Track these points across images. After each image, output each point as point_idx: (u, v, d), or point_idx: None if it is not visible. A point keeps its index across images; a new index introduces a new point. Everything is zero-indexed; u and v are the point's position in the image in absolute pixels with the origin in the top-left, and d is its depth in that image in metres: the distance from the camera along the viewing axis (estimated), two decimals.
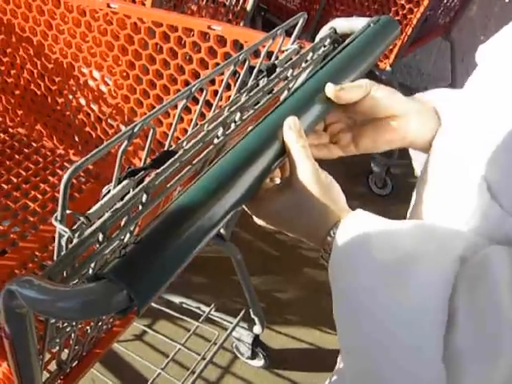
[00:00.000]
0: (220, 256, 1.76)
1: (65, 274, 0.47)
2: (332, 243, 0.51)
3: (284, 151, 0.56)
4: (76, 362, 0.92)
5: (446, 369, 0.39)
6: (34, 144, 1.35)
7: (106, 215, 0.48)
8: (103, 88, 1.18)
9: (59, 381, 0.88)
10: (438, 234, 0.48)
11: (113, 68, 1.12)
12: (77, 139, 1.30)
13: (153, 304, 1.48)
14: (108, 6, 1.02)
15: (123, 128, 1.19)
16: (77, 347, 0.87)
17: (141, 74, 1.09)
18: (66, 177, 0.46)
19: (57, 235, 0.48)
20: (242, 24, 1.83)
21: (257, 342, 1.49)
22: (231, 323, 1.41)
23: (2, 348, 0.61)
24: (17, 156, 1.31)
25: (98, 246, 0.48)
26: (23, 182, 1.25)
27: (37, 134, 1.36)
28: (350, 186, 2.25)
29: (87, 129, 1.25)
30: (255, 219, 0.58)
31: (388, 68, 1.91)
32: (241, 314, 1.40)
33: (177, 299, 1.52)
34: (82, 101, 1.24)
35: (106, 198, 0.51)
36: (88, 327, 0.85)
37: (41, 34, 1.17)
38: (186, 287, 1.62)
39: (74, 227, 0.48)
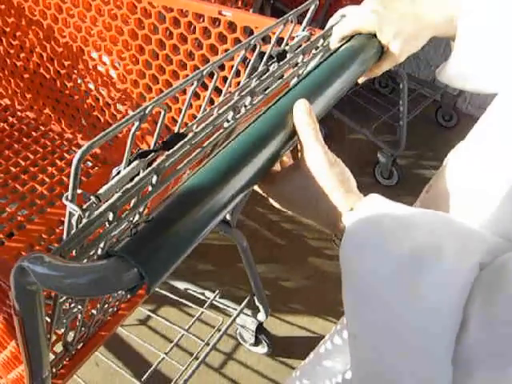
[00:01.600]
0: (223, 243, 1.77)
1: (74, 253, 0.47)
2: (344, 227, 0.49)
3: (294, 135, 0.56)
4: (81, 344, 0.93)
5: (453, 372, 0.40)
6: (42, 128, 1.35)
7: (116, 195, 0.49)
8: (112, 73, 1.18)
9: (65, 362, 0.89)
10: (458, 232, 0.46)
11: (122, 53, 1.12)
12: (85, 123, 1.30)
13: (157, 289, 1.48)
14: None
15: (131, 113, 1.20)
16: (83, 329, 0.88)
17: (150, 59, 1.09)
18: (77, 156, 0.46)
19: (67, 214, 0.48)
20: (251, 11, 1.82)
21: (260, 329, 1.50)
22: (235, 310, 1.42)
23: (10, 327, 0.61)
24: (25, 139, 1.32)
25: (107, 225, 0.49)
26: (31, 165, 1.26)
27: (45, 117, 1.36)
28: (356, 177, 2.22)
29: (95, 113, 1.26)
30: (271, 201, 0.58)
31: None
32: (245, 301, 1.41)
33: (181, 285, 1.53)
34: (91, 85, 1.24)
35: (116, 179, 0.51)
36: (94, 310, 0.85)
37: (51, 17, 1.17)
38: (191, 273, 1.63)
39: (85, 206, 0.48)
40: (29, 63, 1.29)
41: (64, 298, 0.61)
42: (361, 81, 0.71)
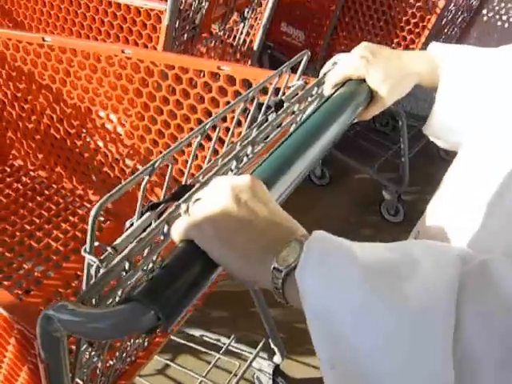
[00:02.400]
0: (239, 290, 1.78)
1: (94, 302, 0.50)
2: (290, 258, 0.45)
3: None
4: None
5: (455, 374, 0.39)
6: (55, 186, 1.40)
7: (131, 245, 0.52)
8: (120, 130, 1.23)
9: None
10: (430, 246, 0.47)
11: (128, 110, 1.18)
12: (95, 179, 1.35)
13: (174, 338, 1.50)
14: (122, 51, 1.08)
15: (140, 167, 1.24)
16: (102, 379, 0.90)
17: (155, 114, 1.14)
18: (94, 210, 0.50)
19: (86, 266, 0.52)
20: (249, 62, 1.89)
21: (277, 371, 1.50)
22: (251, 354, 1.43)
23: (34, 377, 0.64)
24: (38, 198, 1.36)
25: (124, 274, 0.52)
26: (45, 223, 1.30)
27: (57, 176, 1.41)
28: (363, 215, 2.28)
29: (105, 169, 1.30)
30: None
31: None
32: (260, 345, 1.42)
33: (197, 332, 1.55)
34: (100, 143, 1.29)
35: (130, 230, 0.55)
36: (111, 361, 0.88)
37: (59, 81, 1.23)
38: (207, 321, 1.65)
39: (102, 257, 0.52)
40: (40, 125, 1.35)
41: (85, 346, 0.63)
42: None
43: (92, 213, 0.51)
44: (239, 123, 1.04)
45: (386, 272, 0.42)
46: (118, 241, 0.54)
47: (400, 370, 0.40)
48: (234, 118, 0.71)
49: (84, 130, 1.30)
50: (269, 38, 2.18)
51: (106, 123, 1.25)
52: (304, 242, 0.44)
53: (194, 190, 0.57)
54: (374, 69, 0.72)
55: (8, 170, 1.44)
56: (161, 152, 1.19)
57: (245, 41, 1.83)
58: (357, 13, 1.96)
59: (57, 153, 1.38)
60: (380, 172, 2.25)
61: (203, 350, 1.49)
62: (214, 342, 1.51)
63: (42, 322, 0.46)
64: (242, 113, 0.70)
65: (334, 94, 0.72)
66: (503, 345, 0.39)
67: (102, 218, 1.34)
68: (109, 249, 0.52)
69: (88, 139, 1.30)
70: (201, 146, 1.08)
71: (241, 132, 0.77)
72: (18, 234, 1.26)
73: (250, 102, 0.71)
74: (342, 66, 0.75)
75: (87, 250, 0.52)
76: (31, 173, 1.44)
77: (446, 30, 2.03)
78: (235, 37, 1.79)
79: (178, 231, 0.49)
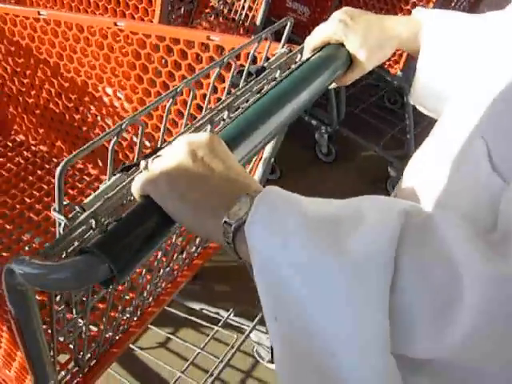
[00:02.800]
0: (239, 264, 1.80)
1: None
2: (242, 209, 0.45)
3: None
4: (94, 361, 0.96)
5: (390, 324, 0.40)
6: (55, 160, 1.42)
7: (98, 204, 0.53)
8: (115, 102, 1.24)
9: (78, 379, 0.93)
10: (376, 199, 0.46)
11: (123, 83, 1.18)
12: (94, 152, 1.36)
13: (174, 311, 1.53)
14: (115, 24, 1.09)
15: (135, 139, 1.25)
16: (93, 345, 0.92)
17: (149, 86, 1.15)
18: (58, 170, 0.52)
19: (57, 224, 0.53)
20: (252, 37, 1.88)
21: None
22: (249, 327, 1.45)
23: (14, 336, 0.66)
24: (39, 171, 1.38)
25: (92, 232, 0.53)
26: (45, 196, 1.32)
27: (57, 150, 1.43)
28: (369, 192, 2.25)
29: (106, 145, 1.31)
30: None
31: (399, 73, 1.94)
32: (257, 318, 1.43)
33: (197, 306, 1.57)
34: (98, 116, 1.30)
35: (99, 190, 0.56)
36: (102, 325, 0.90)
37: (56, 55, 1.24)
38: (207, 295, 1.67)
39: (70, 216, 0.53)
40: (39, 99, 1.36)
41: (62, 306, 0.65)
42: (332, 87, 0.76)
43: (57, 171, 0.53)
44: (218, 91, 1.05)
45: (331, 225, 0.43)
46: (87, 200, 0.55)
47: (338, 320, 0.41)
48: (218, 86, 0.72)
49: (82, 104, 1.31)
50: (274, 13, 2.16)
51: (103, 96, 1.26)
52: (256, 196, 0.45)
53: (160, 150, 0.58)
54: (353, 33, 0.72)
55: (10, 144, 1.46)
56: (156, 125, 1.20)
57: (247, 16, 1.82)
58: None
59: (56, 127, 1.39)
60: (386, 149, 2.24)
61: (203, 323, 1.51)
62: (214, 315, 1.53)
63: (5, 276, 0.47)
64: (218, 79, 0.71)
65: (310, 58, 0.72)
66: (438, 296, 0.39)
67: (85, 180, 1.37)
68: (77, 208, 0.54)
69: (85, 112, 1.31)
70: (181, 114, 1.09)
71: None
72: (18, 206, 1.29)
73: (226, 68, 0.71)
74: (320, 30, 0.75)
75: (56, 208, 0.54)
76: (32, 147, 1.46)
77: (453, 4, 2.00)
78: (237, 12, 1.78)
79: (135, 187, 0.50)
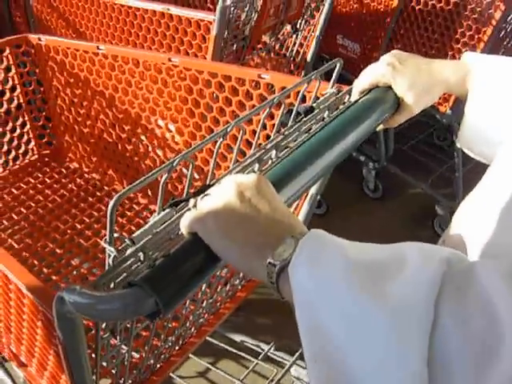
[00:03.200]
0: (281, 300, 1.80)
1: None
2: (287, 250, 0.46)
3: None
4: None
5: (429, 373, 0.39)
6: (106, 188, 1.47)
7: (147, 237, 0.55)
8: (167, 135, 1.28)
9: None
10: (417, 245, 0.47)
11: (175, 116, 1.22)
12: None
13: (215, 341, 1.53)
14: (169, 60, 1.13)
15: (185, 171, 1.28)
16: (134, 372, 0.93)
17: (200, 121, 1.18)
18: (111, 204, 0.54)
19: (106, 255, 0.55)
20: (302, 74, 1.91)
21: None
22: (289, 361, 1.44)
23: (60, 360, 0.68)
24: (90, 199, 1.43)
25: (140, 264, 0.55)
26: (95, 222, 1.36)
27: (109, 178, 1.47)
28: (415, 230, 2.24)
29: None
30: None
31: (448, 111, 1.93)
32: (298, 353, 1.42)
33: (238, 338, 1.57)
34: (149, 147, 1.34)
35: (148, 224, 0.58)
36: (144, 353, 0.91)
37: (112, 87, 1.29)
38: (248, 327, 1.67)
39: (120, 248, 0.55)
40: (94, 129, 1.41)
41: (108, 334, 0.67)
42: (379, 129, 0.76)
43: (110, 205, 0.55)
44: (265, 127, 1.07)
45: (373, 271, 0.43)
46: (136, 233, 0.57)
47: (377, 367, 0.41)
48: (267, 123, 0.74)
49: (134, 135, 1.35)
50: (325, 50, 2.20)
51: (155, 128, 1.30)
52: (300, 239, 0.46)
53: (209, 187, 0.59)
54: (401, 76, 0.73)
55: (64, 171, 1.52)
56: (206, 158, 1.23)
57: (298, 52, 1.85)
58: (412, 25, 1.95)
59: (109, 156, 1.44)
60: (434, 187, 2.22)
61: (243, 355, 1.50)
62: (255, 348, 1.52)
63: (56, 303, 0.49)
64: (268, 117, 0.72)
65: (358, 100, 0.73)
66: (477, 348, 0.39)
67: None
68: (127, 240, 0.56)
69: (137, 143, 1.35)
70: (231, 148, 1.11)
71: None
72: (68, 231, 1.33)
73: (276, 106, 0.73)
74: (368, 73, 0.76)
75: (107, 240, 0.56)
76: (85, 175, 1.51)
77: (505, 43, 1.98)
78: (288, 48, 1.81)
79: (184, 224, 0.51)
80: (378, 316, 0.41)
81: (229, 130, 0.64)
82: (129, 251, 0.53)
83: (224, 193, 0.51)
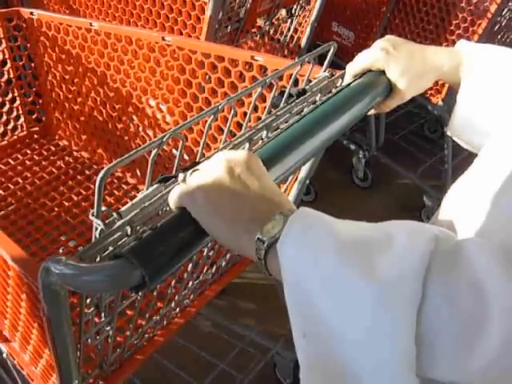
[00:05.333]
0: (268, 283, 1.81)
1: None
2: (276, 227, 0.46)
3: None
4: (117, 366, 0.98)
5: (416, 347, 0.40)
6: (95, 166, 1.46)
7: (135, 211, 0.55)
8: (158, 115, 1.27)
9: (101, 382, 0.95)
10: (405, 224, 0.47)
11: (166, 96, 1.21)
12: (133, 162, 1.39)
13: (198, 323, 1.54)
14: (163, 38, 1.12)
15: (175, 151, 1.28)
16: (118, 350, 0.93)
17: (191, 101, 1.17)
18: (100, 176, 0.53)
19: (94, 228, 0.55)
20: (296, 59, 1.90)
21: (298, 367, 1.51)
22: (273, 347, 1.45)
23: (44, 333, 0.68)
24: (79, 177, 1.42)
25: (126, 238, 0.55)
26: (83, 200, 1.35)
27: (98, 157, 1.46)
28: (402, 220, 2.25)
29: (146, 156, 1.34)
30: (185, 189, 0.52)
31: (440, 103, 1.93)
32: (282, 340, 1.43)
33: (223, 321, 1.58)
34: (139, 127, 1.34)
35: (136, 199, 0.58)
36: (128, 331, 0.91)
37: (104, 65, 1.28)
38: (234, 311, 1.68)
39: (107, 221, 0.55)
40: (84, 107, 1.40)
41: (92, 309, 0.67)
42: (370, 113, 0.76)
43: (98, 177, 0.54)
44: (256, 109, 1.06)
45: (361, 247, 0.44)
46: (124, 207, 0.57)
47: (364, 341, 0.41)
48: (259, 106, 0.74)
49: (125, 114, 1.34)
50: (319, 37, 2.18)
51: (146, 108, 1.29)
52: (289, 216, 0.46)
53: (198, 163, 0.59)
54: (394, 61, 0.73)
55: (53, 148, 1.51)
56: (196, 139, 1.22)
57: (292, 38, 1.84)
58: (407, 15, 1.95)
59: (99, 135, 1.43)
60: (423, 178, 2.23)
61: (227, 338, 1.51)
62: (239, 331, 1.53)
63: (41, 274, 0.49)
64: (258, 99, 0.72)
65: (350, 83, 0.73)
66: (464, 323, 0.40)
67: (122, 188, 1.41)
68: (114, 214, 0.55)
69: (128, 122, 1.34)
70: (221, 130, 1.11)
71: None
72: (56, 209, 1.32)
73: (268, 88, 0.73)
74: (362, 57, 0.76)
75: (94, 214, 0.55)
76: (75, 153, 1.50)
77: (499, 37, 1.98)
78: (283, 33, 1.81)
79: (172, 198, 0.51)
80: (366, 290, 0.41)
81: (220, 107, 0.64)
82: (116, 225, 0.53)
83: (214, 168, 0.51)
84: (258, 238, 0.46)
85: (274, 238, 0.45)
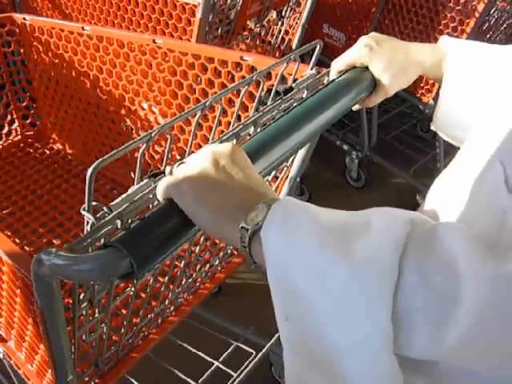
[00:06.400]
0: (262, 283, 1.82)
1: None
2: (259, 215, 0.48)
3: None
4: (113, 363, 0.99)
5: (393, 327, 0.41)
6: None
7: (124, 205, 0.57)
8: (151, 117, 1.29)
9: (96, 380, 0.96)
10: (383, 209, 0.49)
11: (158, 98, 1.23)
12: (127, 164, 1.41)
13: (194, 322, 1.55)
14: (154, 41, 1.14)
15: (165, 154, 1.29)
16: (113, 348, 0.94)
17: (183, 102, 1.19)
18: (89, 171, 0.55)
19: (85, 223, 0.57)
20: None
21: None
22: (268, 345, 1.46)
23: (39, 329, 0.69)
24: (73, 180, 1.44)
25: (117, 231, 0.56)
26: (79, 203, 1.37)
27: (92, 160, 1.47)
28: None
29: (136, 155, 1.36)
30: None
31: (431, 102, 1.95)
32: (275, 336, 1.44)
33: (217, 320, 1.59)
34: (133, 129, 1.35)
35: (126, 193, 0.59)
36: (122, 328, 0.92)
37: (96, 68, 1.30)
38: (228, 310, 1.69)
39: (97, 215, 0.56)
40: (78, 110, 1.42)
41: (81, 298, 0.68)
42: (355, 109, 0.78)
43: (88, 172, 0.56)
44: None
45: (340, 232, 0.45)
46: (114, 202, 0.58)
47: (342, 321, 0.43)
48: (241, 102, 0.75)
49: (118, 117, 1.36)
50: (310, 38, 2.20)
51: (138, 110, 1.30)
52: (273, 204, 0.48)
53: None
54: (377, 57, 0.75)
55: (48, 152, 1.52)
56: (187, 139, 1.24)
57: (283, 40, 1.86)
58: (397, 15, 1.97)
59: (93, 138, 1.45)
60: (416, 177, 2.25)
61: (222, 337, 1.52)
62: (233, 330, 1.54)
63: (33, 266, 0.50)
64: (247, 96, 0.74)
65: (335, 79, 0.75)
66: (437, 298, 0.41)
67: (108, 186, 1.42)
68: (104, 208, 0.57)
69: (121, 125, 1.36)
70: (210, 130, 1.12)
71: None
72: (51, 211, 1.34)
73: (256, 87, 0.74)
74: (346, 54, 0.78)
75: (85, 208, 0.57)
76: (69, 156, 1.51)
77: (488, 36, 2.01)
78: (274, 35, 1.83)
79: (160, 190, 0.53)
80: (342, 271, 0.43)
81: (207, 103, 0.65)
82: (106, 218, 0.54)
83: (199, 160, 0.52)
84: (242, 227, 0.48)
85: (258, 225, 0.47)
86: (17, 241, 1.24)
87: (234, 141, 0.69)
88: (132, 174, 1.43)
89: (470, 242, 0.43)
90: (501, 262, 0.41)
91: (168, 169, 0.55)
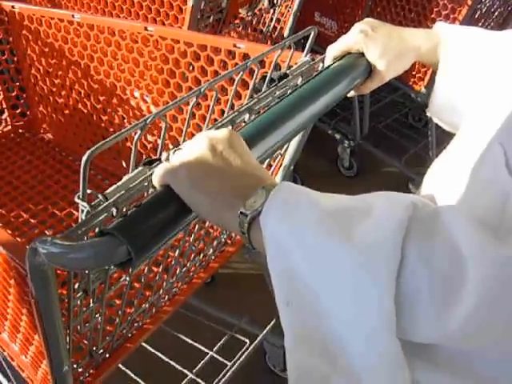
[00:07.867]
0: (256, 273, 1.82)
1: None
2: (258, 200, 0.47)
3: None
4: (107, 354, 0.99)
5: (396, 310, 0.41)
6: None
7: (119, 193, 0.56)
8: (142, 105, 1.27)
9: (91, 370, 0.95)
10: (384, 194, 0.48)
11: (150, 86, 1.22)
12: (119, 154, 1.40)
13: (188, 312, 1.55)
14: (145, 29, 1.13)
15: (160, 142, 1.28)
16: (108, 338, 0.94)
17: (175, 90, 1.18)
18: (84, 159, 0.54)
19: (80, 211, 0.56)
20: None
21: None
22: (262, 334, 1.46)
23: (33, 319, 0.68)
24: (64, 170, 1.42)
25: (112, 219, 0.55)
26: (70, 193, 1.35)
27: (84, 150, 1.45)
28: None
29: (128, 144, 1.35)
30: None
31: (423, 90, 1.95)
32: (269, 325, 1.45)
33: (211, 310, 1.59)
34: (124, 119, 1.34)
35: (121, 181, 0.59)
36: (117, 318, 0.92)
37: (87, 57, 1.28)
38: (222, 300, 1.68)
39: (93, 203, 0.55)
40: (69, 100, 1.40)
41: (80, 293, 0.67)
42: (351, 95, 0.78)
43: (83, 160, 0.55)
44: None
45: (341, 215, 0.45)
46: (109, 190, 0.57)
47: (344, 304, 0.43)
48: (236, 89, 0.74)
49: (109, 106, 1.34)
50: (302, 27, 2.19)
51: (130, 99, 1.29)
52: (271, 189, 0.47)
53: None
54: (373, 43, 0.74)
55: (38, 142, 1.51)
56: (181, 129, 1.23)
57: (275, 28, 1.85)
58: (389, 3, 1.96)
59: (84, 127, 1.43)
60: (408, 166, 2.25)
61: (216, 326, 1.52)
62: (227, 319, 1.55)
63: (28, 255, 0.50)
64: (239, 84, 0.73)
65: (330, 65, 0.74)
66: (442, 280, 0.41)
67: (100, 176, 1.41)
68: (100, 196, 0.56)
69: (113, 114, 1.35)
70: (204, 118, 1.11)
71: None
72: (42, 202, 1.32)
73: (249, 74, 0.74)
74: (342, 40, 0.77)
75: (80, 196, 0.56)
76: (60, 146, 1.50)
77: (480, 24, 2.01)
78: (265, 24, 1.81)
79: (156, 176, 0.52)
80: (345, 255, 0.43)
81: (202, 90, 0.64)
82: (102, 206, 0.54)
83: (196, 146, 0.52)
84: (241, 212, 0.47)
85: (257, 211, 0.47)
86: (8, 232, 1.22)
87: (230, 127, 0.68)
88: (124, 164, 1.42)
89: (472, 224, 0.43)
90: (505, 243, 0.41)
91: (164, 155, 0.54)
